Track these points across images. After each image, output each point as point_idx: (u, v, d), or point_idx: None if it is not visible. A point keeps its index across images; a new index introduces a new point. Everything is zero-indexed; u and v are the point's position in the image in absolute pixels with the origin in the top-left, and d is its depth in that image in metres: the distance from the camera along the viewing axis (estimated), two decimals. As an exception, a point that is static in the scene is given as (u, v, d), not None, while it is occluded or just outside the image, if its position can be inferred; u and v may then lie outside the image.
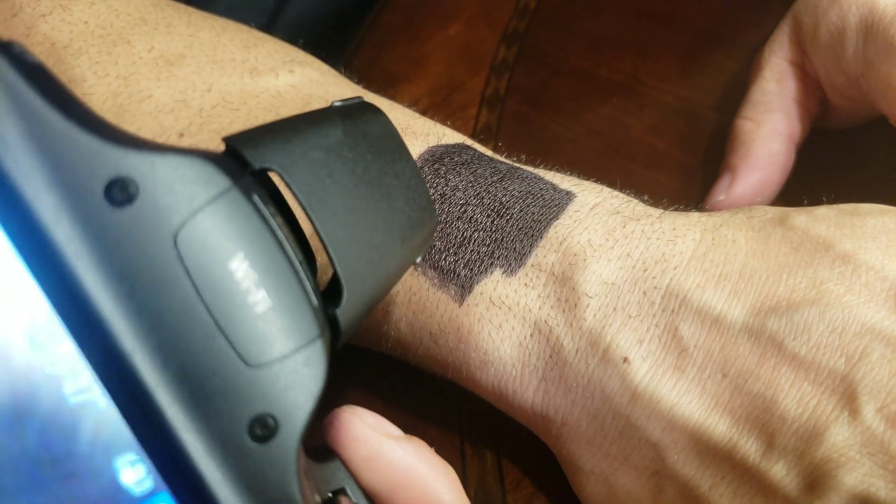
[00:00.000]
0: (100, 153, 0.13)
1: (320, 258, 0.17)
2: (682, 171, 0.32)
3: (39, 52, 0.27)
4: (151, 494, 0.13)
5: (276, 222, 0.15)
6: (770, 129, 0.28)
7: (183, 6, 0.30)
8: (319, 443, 0.19)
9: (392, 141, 0.20)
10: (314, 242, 0.17)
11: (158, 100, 0.26)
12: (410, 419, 0.27)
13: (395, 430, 0.19)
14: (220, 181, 0.14)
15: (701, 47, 0.36)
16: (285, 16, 0.56)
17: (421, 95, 0.39)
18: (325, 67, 0.29)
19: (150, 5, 0.28)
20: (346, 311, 0.16)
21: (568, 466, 0.22)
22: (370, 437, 0.18)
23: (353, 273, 0.16)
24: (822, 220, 0.21)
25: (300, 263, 0.15)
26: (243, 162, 0.15)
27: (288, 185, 0.16)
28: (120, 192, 0.13)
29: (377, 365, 0.28)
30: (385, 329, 0.24)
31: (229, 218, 0.14)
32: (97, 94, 0.26)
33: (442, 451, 0.26)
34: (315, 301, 0.15)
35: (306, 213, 0.16)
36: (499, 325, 0.22)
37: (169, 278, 0.13)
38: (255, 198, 0.15)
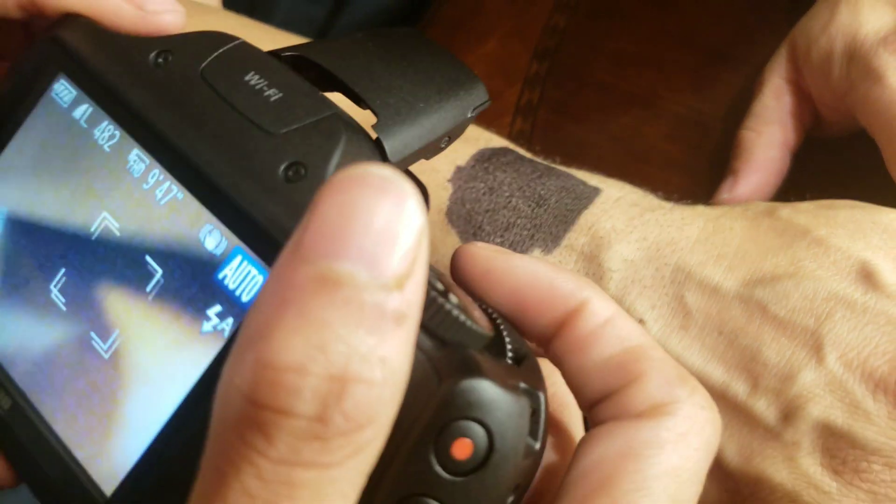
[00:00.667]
0: (145, 40, 0.19)
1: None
2: (693, 173, 0.36)
3: None
4: (230, 252, 0.16)
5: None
6: (768, 138, 0.33)
7: (271, 30, 0.35)
8: None
9: (422, 38, 0.23)
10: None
11: None
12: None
13: (511, 252, 0.20)
14: (234, 40, 0.19)
15: (711, 65, 0.40)
16: (334, 32, 0.61)
17: (462, 105, 0.44)
18: None
19: (243, 29, 0.34)
20: (383, 128, 0.18)
21: None
22: (483, 252, 0.19)
23: (383, 103, 0.19)
24: (803, 211, 0.25)
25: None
26: (272, 53, 0.20)
27: (314, 61, 0.20)
28: (162, 58, 0.19)
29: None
30: None
31: (243, 56, 0.19)
32: None
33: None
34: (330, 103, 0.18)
35: (329, 71, 0.19)
36: None
37: (202, 97, 0.18)
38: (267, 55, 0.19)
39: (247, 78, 0.18)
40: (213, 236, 0.17)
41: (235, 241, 0.16)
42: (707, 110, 0.38)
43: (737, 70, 0.39)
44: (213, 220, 0.17)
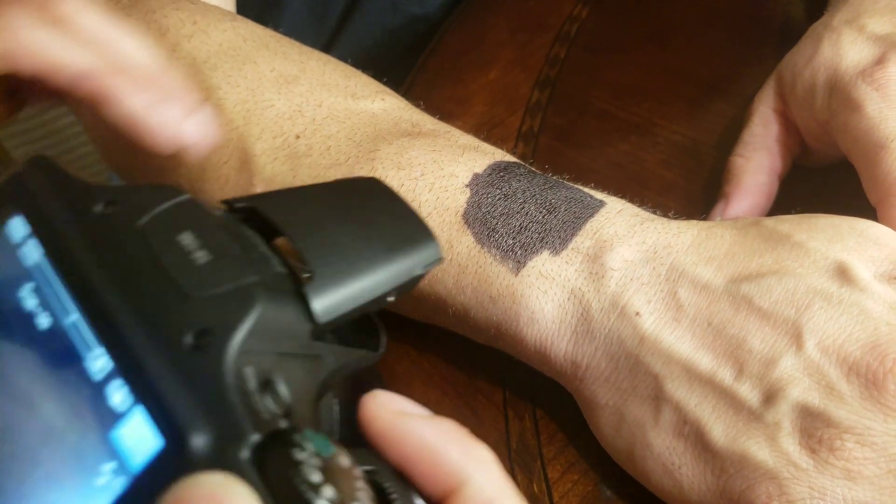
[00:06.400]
0: (97, 189, 0.21)
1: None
2: (687, 197, 0.40)
3: (182, 64, 0.36)
4: (130, 411, 0.17)
5: (232, 221, 0.20)
6: (757, 164, 0.37)
7: (293, 40, 0.39)
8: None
9: (382, 189, 0.24)
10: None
11: (279, 109, 0.35)
12: (464, 389, 0.35)
13: (414, 409, 0.21)
14: (180, 194, 0.20)
15: (705, 96, 0.44)
16: (341, 37, 0.64)
17: (466, 131, 0.47)
18: (404, 100, 0.38)
19: (268, 36, 0.38)
20: (316, 288, 0.20)
21: (587, 404, 0.30)
22: (378, 415, 0.20)
23: (323, 262, 0.20)
24: (785, 221, 0.29)
25: (257, 247, 0.20)
26: (227, 202, 0.22)
27: (261, 214, 0.21)
28: (109, 209, 0.20)
29: (439, 353, 0.37)
30: (454, 294, 0.32)
31: (185, 213, 0.20)
32: (229, 101, 0.35)
33: (489, 414, 0.34)
34: (259, 265, 0.20)
35: (275, 225, 0.21)
36: (545, 291, 0.30)
37: (135, 252, 0.19)
38: (216, 207, 0.21)
39: (182, 237, 0.19)
40: (119, 393, 0.17)
41: (135, 401, 0.17)
42: (701, 138, 0.42)
43: (728, 101, 0.43)
44: (120, 377, 0.17)
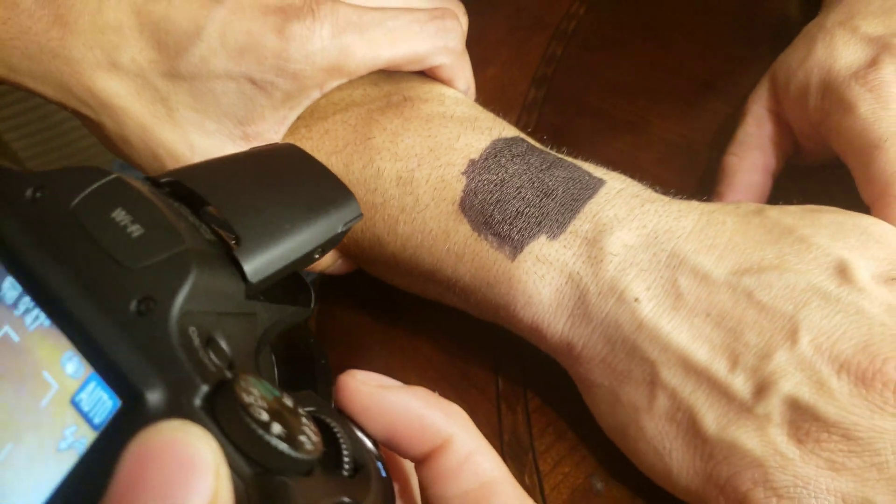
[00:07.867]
0: (24, 176, 0.21)
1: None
2: (682, 195, 0.40)
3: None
4: (86, 379, 0.18)
5: (159, 196, 0.21)
6: (750, 163, 0.37)
7: None
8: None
9: (299, 154, 0.26)
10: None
11: None
12: (457, 383, 0.35)
13: (390, 382, 0.23)
14: (108, 174, 0.21)
15: (700, 94, 0.45)
16: None
17: (463, 127, 0.48)
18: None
19: None
20: (244, 251, 0.21)
21: (583, 383, 0.31)
22: (361, 390, 0.22)
23: (247, 225, 0.22)
24: (790, 213, 0.30)
25: (183, 218, 0.21)
26: (151, 180, 0.22)
27: (186, 186, 0.22)
28: (39, 194, 0.20)
29: (433, 347, 0.37)
30: (453, 280, 0.32)
31: (114, 191, 0.20)
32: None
33: (481, 407, 0.34)
34: (188, 233, 0.20)
35: (200, 196, 0.22)
36: (542, 276, 0.30)
37: (70, 233, 0.20)
38: (142, 183, 0.21)
39: (114, 214, 0.20)
40: (73, 363, 0.18)
41: (90, 369, 0.18)
42: (695, 137, 0.43)
43: (724, 99, 0.44)
44: (72, 348, 0.19)
